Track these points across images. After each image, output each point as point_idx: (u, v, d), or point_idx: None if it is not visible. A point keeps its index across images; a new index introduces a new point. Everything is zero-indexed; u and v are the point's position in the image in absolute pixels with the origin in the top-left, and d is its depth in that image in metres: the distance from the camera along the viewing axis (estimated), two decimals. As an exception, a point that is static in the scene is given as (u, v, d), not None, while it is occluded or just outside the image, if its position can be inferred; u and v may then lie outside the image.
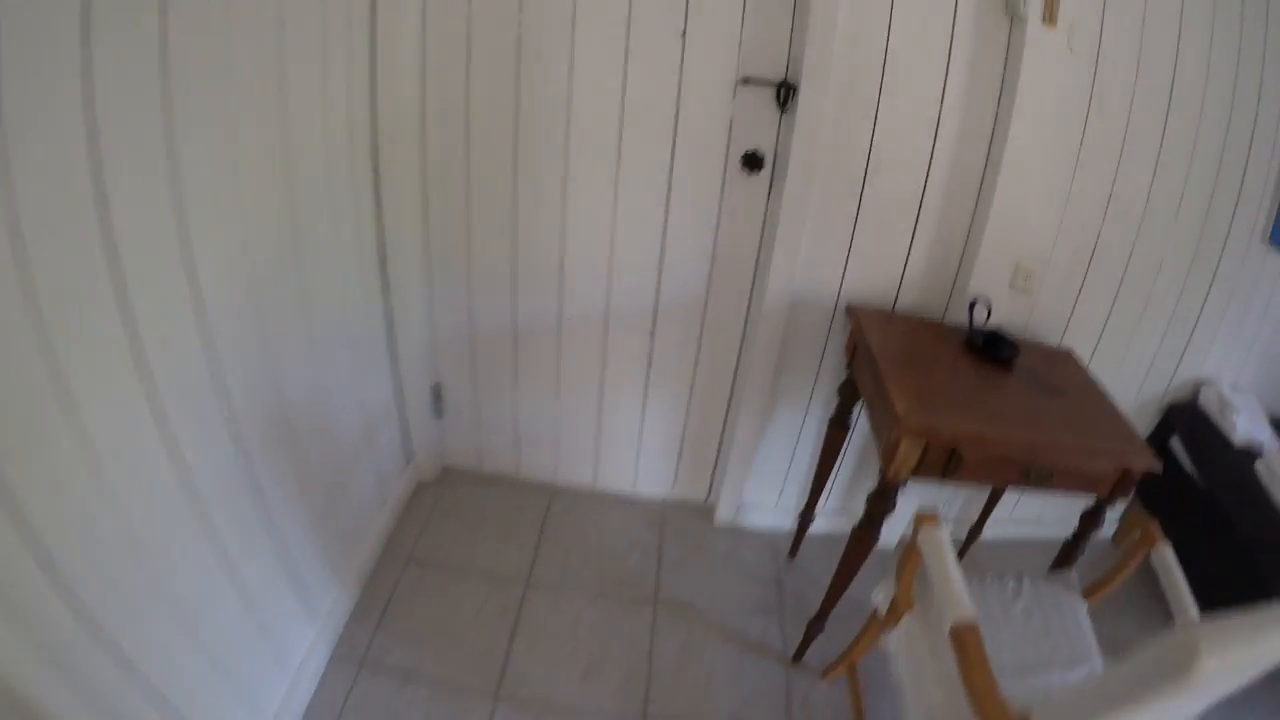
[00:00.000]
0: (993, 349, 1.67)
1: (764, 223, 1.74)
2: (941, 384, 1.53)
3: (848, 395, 1.79)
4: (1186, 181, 1.89)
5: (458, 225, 1.82)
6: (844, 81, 1.55)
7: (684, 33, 1.56)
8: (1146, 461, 1.40)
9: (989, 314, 1.71)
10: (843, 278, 1.77)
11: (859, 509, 2.33)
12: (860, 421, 1.98)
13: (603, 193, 1.73)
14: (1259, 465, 2.13)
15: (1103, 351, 2.09)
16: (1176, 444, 2.36)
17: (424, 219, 1.81)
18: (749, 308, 1.87)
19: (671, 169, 1.69)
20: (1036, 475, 1.48)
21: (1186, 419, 2.32)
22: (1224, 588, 2.06)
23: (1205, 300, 2.13)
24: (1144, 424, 2.37)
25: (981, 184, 1.68)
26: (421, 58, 1.61)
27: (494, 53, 1.61)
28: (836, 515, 2.24)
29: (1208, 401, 2.31)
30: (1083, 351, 2.06)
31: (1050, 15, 1.47)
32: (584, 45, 1.59)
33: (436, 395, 2.12)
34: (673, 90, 1.61)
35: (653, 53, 1.58)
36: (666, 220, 1.75)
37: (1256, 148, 1.94)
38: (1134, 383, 2.24)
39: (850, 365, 1.73)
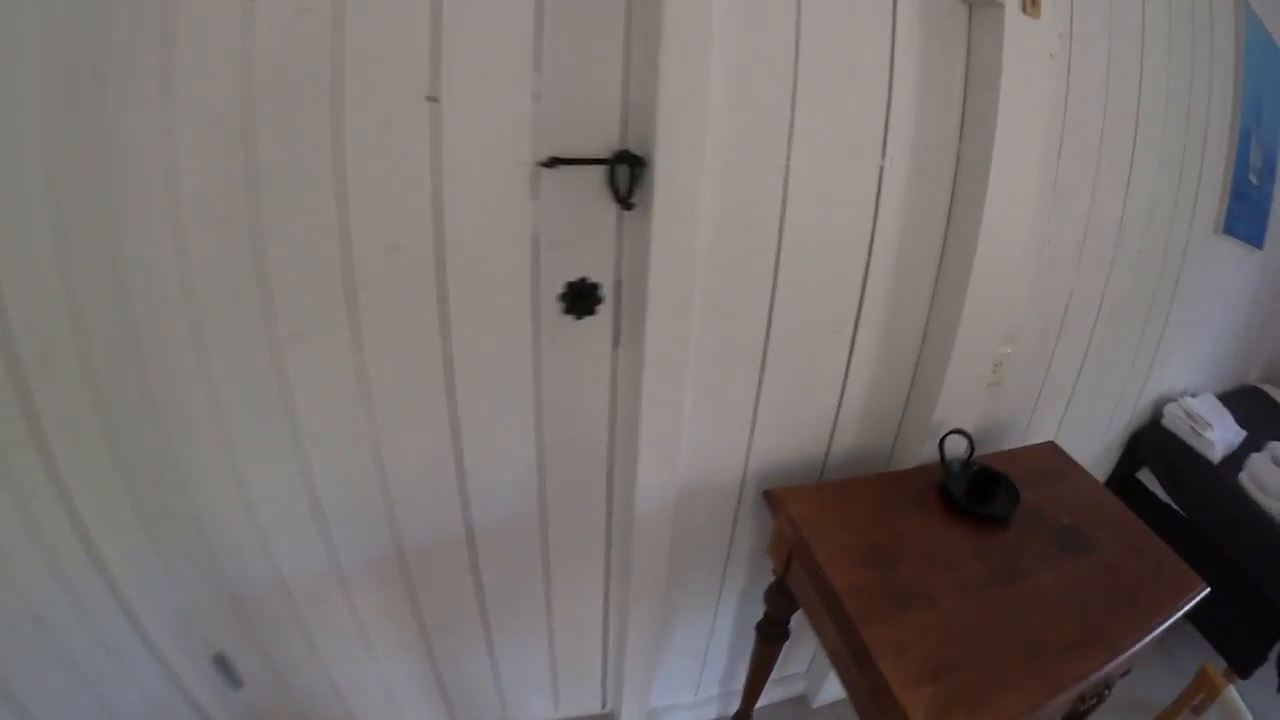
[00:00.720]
0: (983, 500, 1.13)
1: (613, 388, 1.07)
2: (949, 618, 0.95)
3: (781, 605, 1.19)
4: (1154, 196, 1.43)
5: (159, 461, 1.02)
6: (728, 139, 0.89)
7: (435, 97, 0.84)
8: (1195, 590, 1.07)
9: (971, 448, 1.15)
10: (750, 442, 1.14)
11: (799, 671, 1.85)
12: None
13: (344, 390, 0.98)
14: (1243, 478, 1.83)
15: (1074, 411, 1.63)
16: (1147, 475, 2.00)
17: (117, 463, 1.00)
18: (610, 508, 1.20)
19: (445, 334, 0.97)
20: (1092, 694, 1.01)
21: (1156, 447, 1.95)
22: (1234, 629, 1.76)
23: (1169, 314, 1.73)
24: (1109, 462, 1.98)
25: (943, 256, 1.09)
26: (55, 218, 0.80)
27: (142, 197, 0.82)
28: (776, 685, 1.68)
29: (1174, 422, 1.94)
30: (1052, 418, 1.59)
31: (1033, 1, 0.89)
32: (271, 145, 0.82)
33: (223, 665, 1.35)
34: (424, 196, 0.88)
35: (384, 137, 0.84)
36: (454, 415, 1.03)
37: (1211, 140, 1.53)
38: (1102, 426, 1.81)
39: (785, 574, 1.12)
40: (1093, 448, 1.83)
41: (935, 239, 1.06)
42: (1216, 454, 1.87)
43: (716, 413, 1.07)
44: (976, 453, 1.16)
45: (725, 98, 0.87)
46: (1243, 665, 1.67)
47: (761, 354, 1.05)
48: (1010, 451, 1.31)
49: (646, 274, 0.90)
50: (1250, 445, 1.96)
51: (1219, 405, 2.05)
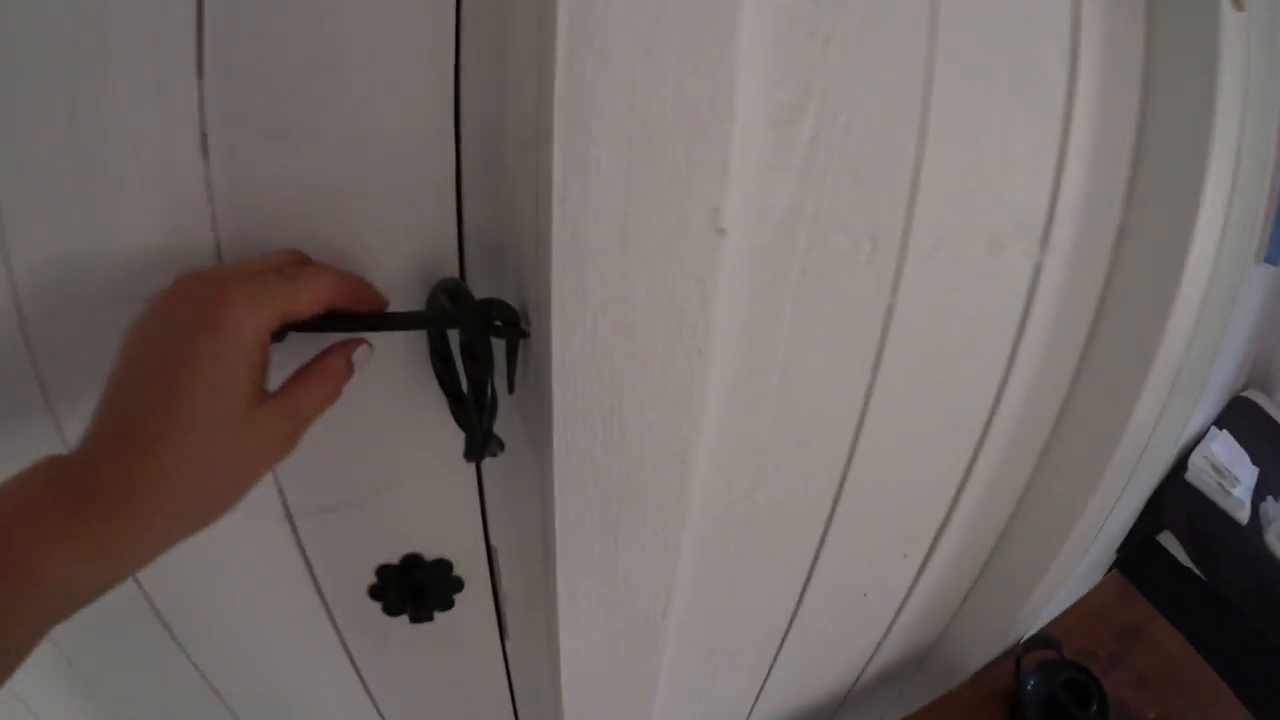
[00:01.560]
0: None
1: (510, 680, 0.55)
2: None
3: None
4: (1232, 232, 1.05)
5: None
6: (768, 241, 0.36)
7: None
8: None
9: (1062, 657, 0.73)
10: (755, 703, 0.66)
11: None
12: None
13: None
14: (1270, 539, 1.55)
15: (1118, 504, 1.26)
16: (1168, 538, 1.70)
17: None
18: None
19: (198, 670, 0.43)
20: None
21: (1182, 509, 1.64)
22: (1253, 700, 1.52)
23: (1214, 360, 1.39)
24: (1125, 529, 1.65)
25: (1072, 398, 0.63)
26: None
27: None
28: None
29: (1199, 477, 1.64)
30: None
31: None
32: None
33: None
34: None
35: None
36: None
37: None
38: (1135, 500, 1.47)
39: None
40: (1118, 526, 1.49)
41: (1064, 376, 0.61)
42: (1245, 514, 1.60)
43: (705, 690, 0.59)
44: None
45: (769, 117, 0.34)
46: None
47: (791, 611, 0.56)
48: (1072, 611, 0.92)
49: (554, 562, 0.39)
50: (1264, 486, 1.73)
51: (1236, 446, 1.79)
